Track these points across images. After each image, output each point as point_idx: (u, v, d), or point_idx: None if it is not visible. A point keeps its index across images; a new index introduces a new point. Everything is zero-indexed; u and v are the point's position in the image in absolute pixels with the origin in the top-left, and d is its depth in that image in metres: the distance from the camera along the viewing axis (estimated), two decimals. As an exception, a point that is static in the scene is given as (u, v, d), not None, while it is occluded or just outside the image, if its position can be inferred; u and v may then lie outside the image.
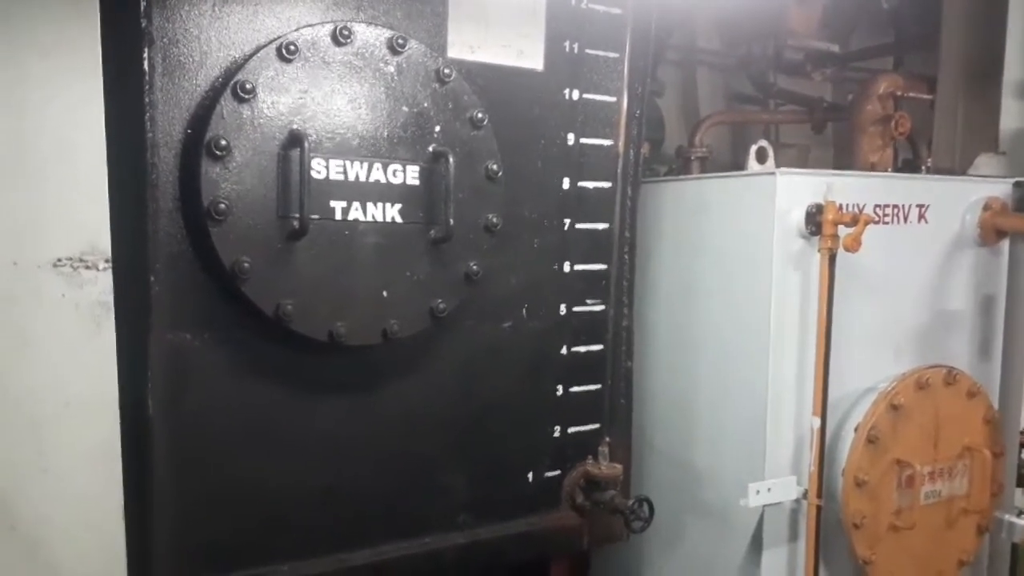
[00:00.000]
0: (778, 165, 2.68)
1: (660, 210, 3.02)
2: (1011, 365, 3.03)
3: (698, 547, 2.93)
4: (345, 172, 1.97)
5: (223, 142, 1.83)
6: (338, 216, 1.98)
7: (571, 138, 2.44)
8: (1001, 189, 2.96)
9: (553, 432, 2.52)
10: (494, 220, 2.19)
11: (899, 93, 3.35)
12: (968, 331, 2.96)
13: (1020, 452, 3.07)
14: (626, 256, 2.62)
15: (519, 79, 2.33)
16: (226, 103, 1.84)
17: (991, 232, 2.89)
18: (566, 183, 2.45)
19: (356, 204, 1.99)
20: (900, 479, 2.67)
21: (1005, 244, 2.98)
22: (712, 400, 2.85)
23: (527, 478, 2.49)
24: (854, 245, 2.43)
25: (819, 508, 2.57)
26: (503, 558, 2.49)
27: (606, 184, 2.51)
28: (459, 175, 2.11)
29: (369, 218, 2.01)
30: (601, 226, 2.53)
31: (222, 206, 1.83)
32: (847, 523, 2.60)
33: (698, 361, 2.90)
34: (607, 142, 2.50)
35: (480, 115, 2.16)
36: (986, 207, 2.88)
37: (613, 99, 2.49)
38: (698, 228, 2.87)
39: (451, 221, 2.07)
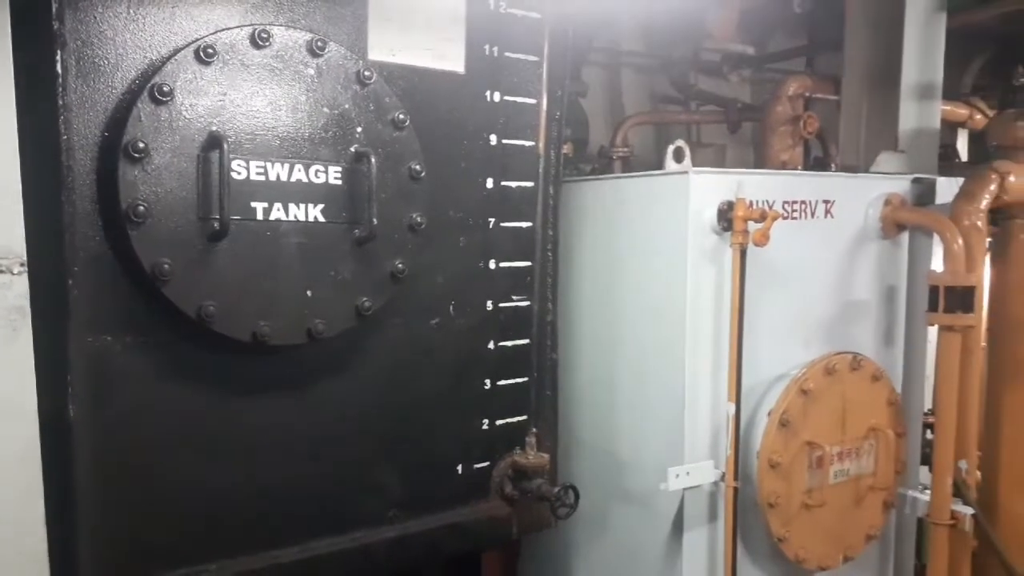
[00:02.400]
0: (697, 164, 2.80)
1: (582, 208, 3.12)
2: (912, 350, 3.23)
3: (623, 532, 3.04)
4: (266, 173, 1.99)
5: (141, 144, 1.83)
6: (259, 216, 2.00)
7: (494, 139, 2.51)
8: (901, 185, 3.15)
9: (482, 425, 2.58)
10: (418, 219, 2.24)
11: (807, 94, 3.53)
12: (872, 319, 3.14)
13: (924, 432, 3.27)
14: (549, 253, 2.71)
15: (441, 81, 2.38)
16: (143, 105, 1.85)
17: (892, 226, 3.07)
18: (490, 183, 2.52)
19: (278, 204, 2.01)
20: (811, 460, 2.83)
21: (905, 237, 3.17)
22: (633, 391, 2.96)
23: (457, 471, 2.55)
24: (762, 240, 2.57)
25: (736, 490, 2.70)
26: (435, 550, 2.54)
27: (528, 184, 2.59)
28: (382, 175, 2.15)
29: (292, 218, 2.04)
30: (525, 224, 2.61)
31: (141, 208, 1.84)
32: (762, 503, 2.74)
33: (619, 354, 3.01)
34: (528, 143, 2.58)
35: (402, 116, 2.21)
36: (887, 202, 3.06)
37: (533, 101, 2.56)
38: (617, 226, 2.98)
39: (374, 221, 2.11)
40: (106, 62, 1.86)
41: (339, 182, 2.12)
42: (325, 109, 2.09)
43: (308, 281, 2.09)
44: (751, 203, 2.70)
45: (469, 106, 2.44)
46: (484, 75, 2.46)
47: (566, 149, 3.45)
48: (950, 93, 3.95)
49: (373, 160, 2.10)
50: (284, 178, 2.02)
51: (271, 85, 2.02)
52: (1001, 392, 3.27)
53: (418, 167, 2.24)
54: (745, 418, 2.81)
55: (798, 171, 2.96)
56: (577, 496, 2.57)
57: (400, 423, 2.41)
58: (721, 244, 2.71)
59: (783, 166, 3.42)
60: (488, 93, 2.48)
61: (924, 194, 3.24)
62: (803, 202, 2.91)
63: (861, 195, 3.05)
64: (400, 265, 2.22)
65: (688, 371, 2.71)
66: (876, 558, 3.24)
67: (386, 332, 2.33)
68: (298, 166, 2.05)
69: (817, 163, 3.97)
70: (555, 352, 2.76)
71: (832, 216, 2.98)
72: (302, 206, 2.05)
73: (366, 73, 2.16)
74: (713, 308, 2.74)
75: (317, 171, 2.08)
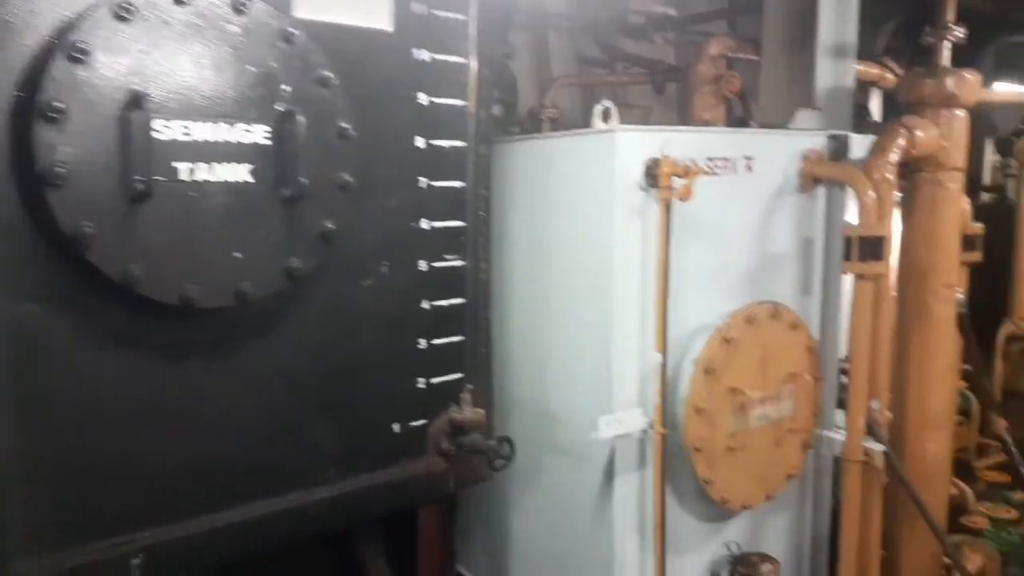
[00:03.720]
0: (623, 124, 2.86)
1: (513, 169, 3.16)
2: (829, 299, 3.40)
3: (556, 483, 3.15)
4: (190, 133, 1.95)
5: (58, 104, 1.77)
6: (184, 177, 1.96)
7: (423, 98, 2.51)
8: (817, 141, 3.28)
9: (417, 383, 2.61)
10: (348, 179, 2.24)
11: (729, 54, 3.63)
12: (791, 270, 3.28)
13: (840, 377, 3.46)
14: (482, 213, 2.73)
15: (369, 39, 2.36)
16: (59, 64, 1.78)
17: (809, 180, 3.20)
18: (421, 142, 2.52)
19: (203, 165, 1.98)
20: (734, 405, 2.96)
21: (821, 191, 3.32)
22: (564, 346, 3.05)
23: (393, 429, 2.58)
24: (687, 195, 2.65)
25: (664, 436, 2.82)
26: (373, 507, 2.58)
27: (460, 143, 2.60)
28: (310, 134, 2.13)
29: (218, 179, 2.01)
30: (457, 184, 2.62)
31: (59, 170, 1.78)
32: (688, 448, 2.87)
33: (550, 310, 3.08)
34: (459, 102, 2.58)
35: (329, 74, 2.19)
36: (804, 157, 3.19)
37: (463, 60, 2.56)
38: (547, 184, 3.03)
39: (302, 180, 2.09)
40: (17, 18, 1.78)
41: (266, 141, 2.09)
42: (250, 67, 2.06)
43: (236, 243, 2.06)
44: (676, 160, 2.79)
45: (398, 65, 2.43)
46: (412, 33, 2.44)
47: (495, 110, 3.51)
48: (864, 54, 4.10)
49: (300, 119, 2.08)
50: (209, 138, 1.99)
51: (194, 43, 1.97)
52: (908, 335, 3.49)
53: (347, 126, 2.23)
54: (672, 367, 2.92)
55: (720, 128, 3.06)
56: (512, 448, 2.64)
57: (335, 385, 2.42)
58: (647, 200, 2.79)
59: (706, 125, 3.51)
60: (417, 52, 2.47)
61: (839, 150, 3.38)
62: (725, 159, 3.00)
63: (780, 151, 3.17)
64: (330, 225, 2.21)
65: (616, 323, 2.80)
66: (796, 496, 3.43)
67: (318, 293, 2.32)
68: (223, 125, 2.02)
69: (739, 122, 4.09)
70: (488, 310, 2.81)
71: (753, 171, 3.09)
72: (228, 166, 2.02)
73: (291, 30, 2.13)
74: (640, 262, 2.83)
75: (243, 130, 2.05)
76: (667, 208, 2.73)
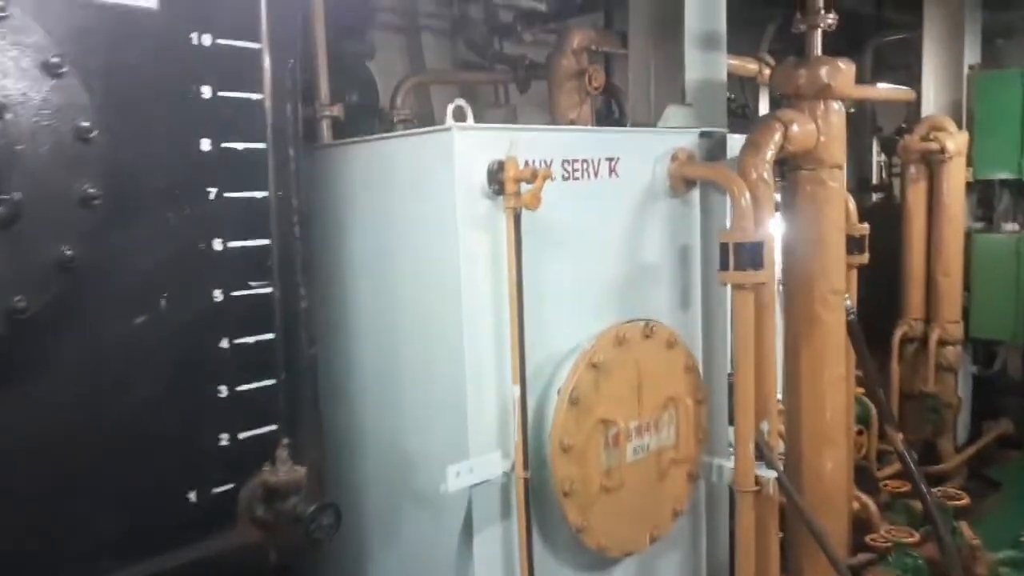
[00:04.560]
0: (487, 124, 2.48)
1: (352, 176, 2.74)
2: (711, 312, 3.09)
3: (414, 536, 2.72)
4: None
5: None
6: None
7: (207, 91, 2.06)
8: (688, 140, 2.98)
9: (219, 440, 2.14)
10: (92, 191, 1.76)
11: (593, 47, 3.31)
12: (667, 282, 2.96)
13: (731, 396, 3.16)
14: (297, 228, 2.29)
15: (124, 19, 1.90)
16: None
17: (680, 182, 2.90)
18: (206, 144, 2.07)
19: None
20: (607, 438, 2.61)
21: (696, 194, 3.02)
22: (416, 378, 2.63)
23: (190, 499, 2.10)
24: (533, 202, 2.28)
25: (527, 481, 2.43)
26: (171, 595, 2.09)
27: (258, 145, 2.16)
28: (31, 135, 1.66)
29: None
30: (257, 194, 2.18)
31: None
32: (557, 491, 2.49)
33: (400, 338, 2.67)
34: (254, 95, 2.14)
35: (58, 60, 1.71)
36: (674, 158, 2.88)
37: (255, 46, 2.13)
38: (389, 194, 2.62)
39: (14, 196, 1.61)
40: None
41: (-36, 147, 1.60)
42: (-64, 50, 1.57)
43: (-73, 279, 1.57)
44: (528, 163, 2.42)
45: (168, 50, 1.98)
46: (185, 12, 2.00)
47: (335, 111, 3.07)
48: (747, 53, 3.89)
49: (8, 116, 1.60)
50: None
51: None
52: (798, 347, 3.22)
53: (87, 124, 1.76)
54: (537, 399, 2.55)
55: (576, 127, 2.72)
56: (338, 515, 2.19)
57: (102, 449, 1.93)
58: (495, 209, 2.41)
59: (572, 125, 3.18)
60: (195, 35, 2.02)
61: (714, 149, 3.10)
62: (585, 161, 2.66)
63: (647, 151, 2.85)
64: (69, 252, 1.73)
65: (468, 353, 2.40)
66: (688, 532, 3.10)
67: (67, 337, 1.83)
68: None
69: (613, 122, 3.79)
70: (313, 346, 2.36)
71: (617, 175, 2.76)
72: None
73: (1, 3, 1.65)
74: (491, 281, 2.45)
75: (-74, 131, 1.56)
76: (515, 218, 2.35)
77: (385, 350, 2.72)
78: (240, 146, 2.13)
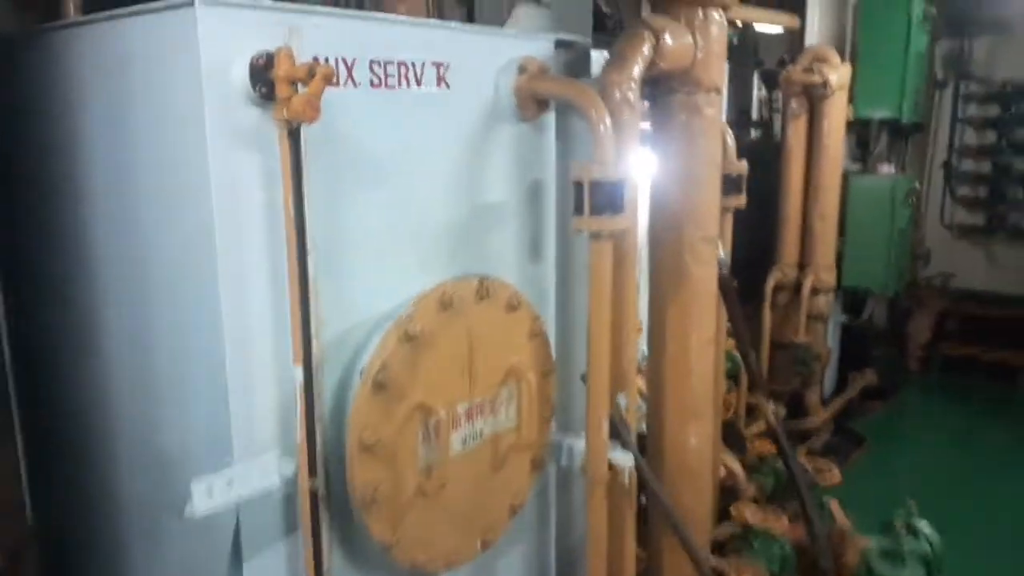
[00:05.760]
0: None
1: (83, 71, 1.99)
2: (568, 263, 2.57)
3: (180, 556, 2.10)
4: None
5: None
6: None
7: None
8: (541, 48, 2.38)
9: None
10: None
11: (430, -75, 2.63)
12: (513, 227, 2.40)
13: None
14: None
15: None
16: None
17: (529, 100, 2.30)
18: None
19: None
20: (426, 429, 2.05)
21: (551, 118, 2.44)
22: (170, 352, 1.97)
23: None
24: (308, 111, 1.63)
25: (315, 491, 1.84)
26: None
27: None
28: None
29: None
30: None
31: None
32: (356, 501, 1.92)
33: (150, 298, 1.99)
34: None
35: None
36: (522, 69, 2.28)
37: None
38: (124, 97, 1.89)
39: None
40: None
41: None
42: None
43: None
44: (317, 60, 1.76)
45: None
46: None
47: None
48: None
49: None
50: None
51: None
52: (664, 305, 2.73)
53: None
54: (337, 382, 1.95)
55: (388, 15, 2.07)
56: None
57: None
58: (268, 122, 1.74)
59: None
60: None
61: (575, 64, 2.53)
62: (403, 64, 2.01)
63: (486, 58, 2.23)
64: None
65: (228, 320, 1.76)
66: (532, 528, 2.62)
67: None
68: None
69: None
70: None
71: (448, 85, 2.14)
72: None
73: None
74: (266, 223, 1.80)
75: None
76: (291, 134, 1.70)
77: (133, 310, 2.03)
78: None
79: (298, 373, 1.80)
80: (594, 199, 2.13)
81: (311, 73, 1.60)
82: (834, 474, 3.58)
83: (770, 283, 5.16)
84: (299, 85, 1.65)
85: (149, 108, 1.81)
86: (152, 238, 1.91)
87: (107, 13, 1.84)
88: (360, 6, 2.89)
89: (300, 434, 1.81)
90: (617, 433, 2.41)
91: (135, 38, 1.81)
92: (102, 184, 2.00)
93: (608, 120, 2.15)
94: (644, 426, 2.78)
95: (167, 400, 1.99)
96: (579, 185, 2.14)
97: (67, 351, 2.27)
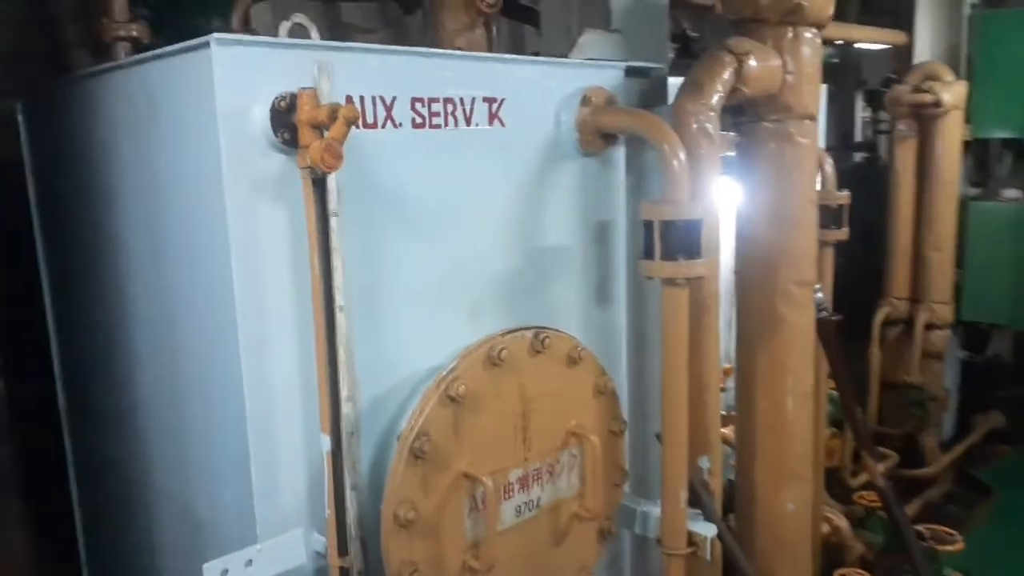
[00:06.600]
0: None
1: (114, 118, 1.91)
2: (641, 310, 2.32)
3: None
4: None
5: None
6: None
7: None
8: (608, 77, 2.17)
9: None
10: None
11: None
12: (577, 272, 2.18)
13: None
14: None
15: None
16: None
17: (593, 135, 2.09)
18: None
19: None
20: (474, 500, 1.84)
21: (619, 153, 2.22)
22: (199, 412, 1.85)
23: None
24: (327, 159, 1.46)
25: (345, 570, 1.66)
26: None
27: None
28: None
29: None
30: None
31: None
32: (392, 583, 1.73)
33: (180, 359, 1.87)
34: None
35: None
36: (585, 101, 2.07)
37: None
38: (152, 147, 1.79)
39: None
40: None
41: None
42: None
43: None
44: (350, 100, 1.61)
45: None
46: None
47: (135, 30, 2.24)
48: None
49: None
50: None
51: None
52: (753, 354, 2.44)
53: None
54: (375, 450, 1.77)
55: (431, 49, 1.90)
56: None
57: None
58: (294, 169, 1.59)
59: (457, 55, 2.35)
60: None
61: (650, 93, 2.30)
62: (449, 100, 1.84)
63: (545, 91, 2.04)
64: None
65: (249, 384, 1.61)
66: (601, 597, 2.36)
67: None
68: None
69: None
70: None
71: (502, 123, 1.95)
72: None
73: None
74: (293, 278, 1.65)
75: None
76: (318, 184, 1.54)
77: (165, 367, 1.92)
78: None
79: (325, 442, 1.63)
80: (666, 241, 1.89)
81: (333, 116, 1.44)
82: (956, 541, 3.15)
83: (879, 319, 4.71)
84: (324, 130, 1.50)
85: (173, 157, 1.70)
86: (179, 297, 1.81)
87: (134, 58, 1.75)
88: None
89: (329, 509, 1.64)
90: (698, 500, 2.14)
91: (159, 83, 1.71)
92: (134, 239, 1.92)
93: (682, 154, 1.91)
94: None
95: (197, 463, 1.87)
96: (649, 226, 1.91)
97: (110, 406, 2.20)
